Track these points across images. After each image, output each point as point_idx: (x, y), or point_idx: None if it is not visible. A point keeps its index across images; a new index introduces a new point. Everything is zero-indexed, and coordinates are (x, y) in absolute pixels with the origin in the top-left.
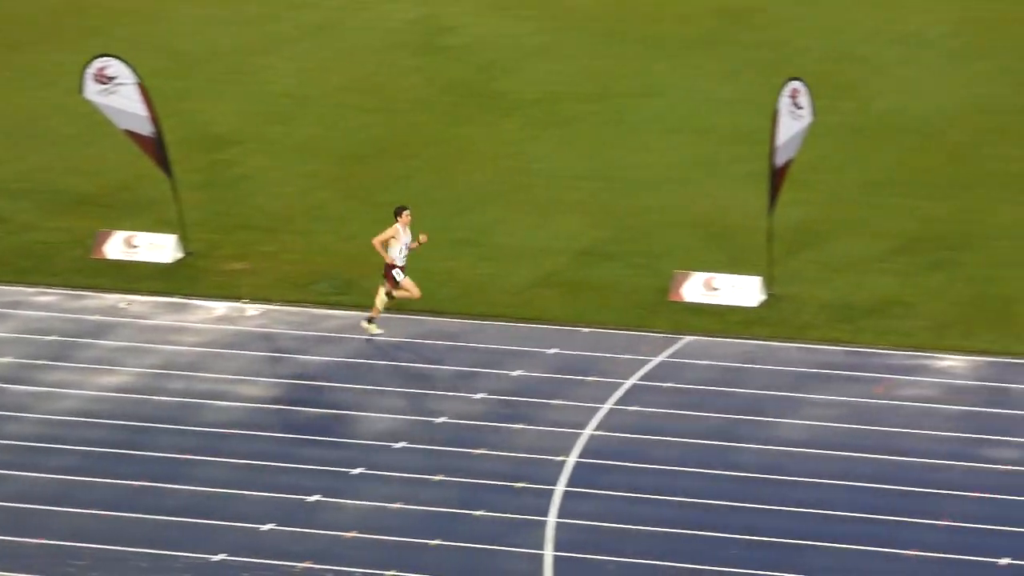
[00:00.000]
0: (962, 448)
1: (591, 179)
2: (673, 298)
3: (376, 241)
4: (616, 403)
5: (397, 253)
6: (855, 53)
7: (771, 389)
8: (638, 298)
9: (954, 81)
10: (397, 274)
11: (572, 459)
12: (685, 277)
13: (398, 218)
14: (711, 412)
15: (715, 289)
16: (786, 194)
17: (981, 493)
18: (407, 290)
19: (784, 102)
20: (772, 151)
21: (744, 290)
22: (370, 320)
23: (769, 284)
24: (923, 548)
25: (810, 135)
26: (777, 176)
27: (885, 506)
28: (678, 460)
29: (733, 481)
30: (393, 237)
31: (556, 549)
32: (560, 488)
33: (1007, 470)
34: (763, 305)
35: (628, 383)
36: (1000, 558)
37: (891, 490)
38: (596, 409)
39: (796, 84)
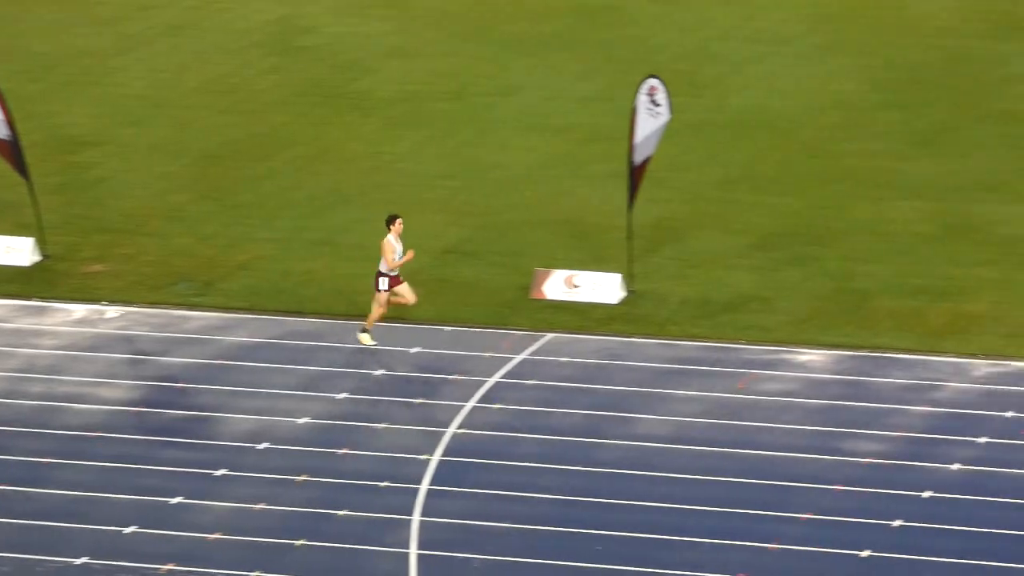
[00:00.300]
0: (822, 441)
1: (451, 178)
2: (535, 296)
3: (386, 265)
4: (479, 401)
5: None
6: (712, 51)
7: (633, 385)
8: (500, 296)
9: (809, 78)
10: (382, 282)
11: (436, 458)
12: (546, 275)
13: (390, 227)
14: (573, 409)
15: (576, 287)
16: (645, 191)
17: (842, 486)
18: (401, 298)
19: (642, 100)
20: (630, 149)
21: (605, 287)
22: (364, 330)
23: (629, 281)
24: (786, 541)
25: (668, 133)
26: (635, 174)
27: (748, 500)
28: (541, 457)
29: (596, 477)
30: (390, 251)
31: (421, 548)
32: (424, 487)
33: (867, 463)
34: (624, 302)
35: (491, 381)
36: (861, 550)
37: (753, 484)
38: (459, 407)
39: (653, 82)
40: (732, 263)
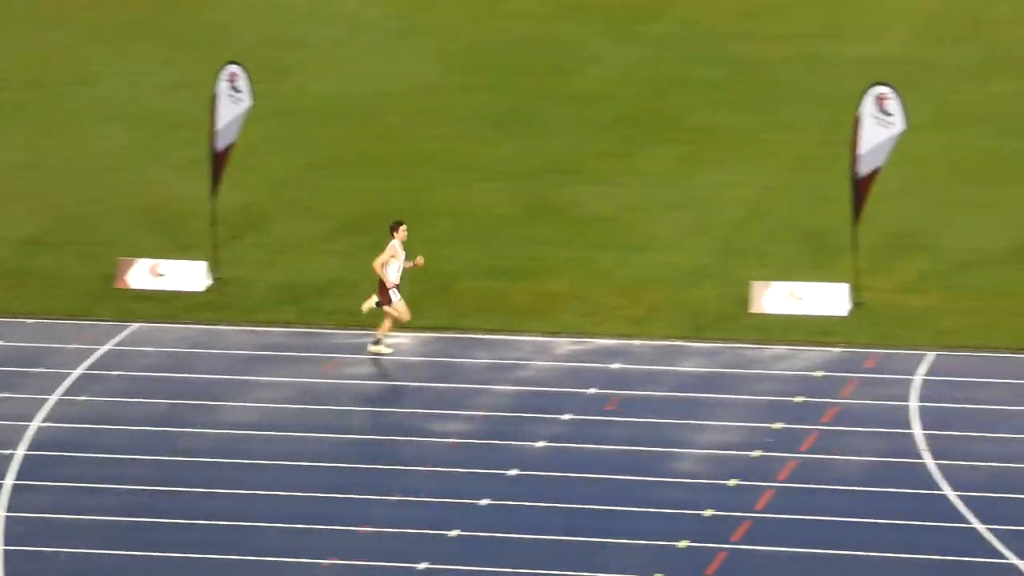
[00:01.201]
0: (410, 423)
1: (30, 168)
2: (119, 285)
3: (377, 264)
4: (64, 393)
5: (394, 272)
6: (291, 36)
7: (220, 373)
8: (83, 287)
9: (390, 63)
10: (393, 293)
11: (20, 452)
12: (130, 264)
13: (394, 234)
14: (160, 399)
15: (161, 275)
16: (229, 178)
17: (429, 467)
18: (397, 311)
19: (223, 86)
20: (212, 136)
21: (190, 275)
22: (377, 341)
23: (215, 268)
24: (374, 524)
25: (250, 119)
26: (219, 160)
27: (335, 484)
28: (128, 448)
29: (184, 466)
30: (392, 256)
31: (6, 543)
32: (8, 482)
33: (453, 443)
34: (209, 290)
35: (76, 373)
36: (450, 530)
37: (341, 468)
38: (43, 401)
39: (234, 68)
40: (318, 248)
